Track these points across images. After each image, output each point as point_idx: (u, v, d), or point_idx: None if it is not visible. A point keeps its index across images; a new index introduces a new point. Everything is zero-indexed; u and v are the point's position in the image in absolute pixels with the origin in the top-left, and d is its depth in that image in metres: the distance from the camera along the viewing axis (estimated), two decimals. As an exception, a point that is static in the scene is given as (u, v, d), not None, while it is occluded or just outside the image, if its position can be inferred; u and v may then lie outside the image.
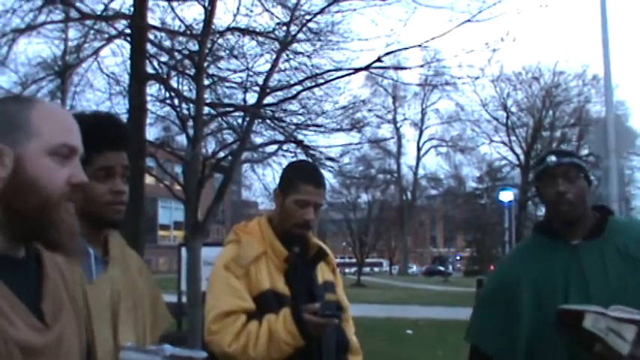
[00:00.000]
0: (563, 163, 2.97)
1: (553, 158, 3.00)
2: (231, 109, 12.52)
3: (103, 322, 2.29)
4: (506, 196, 37.24)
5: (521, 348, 2.92)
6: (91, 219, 2.36)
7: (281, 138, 12.75)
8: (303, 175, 3.28)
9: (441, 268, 75.23)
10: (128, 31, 12.02)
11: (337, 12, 12.48)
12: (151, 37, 11.78)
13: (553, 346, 2.85)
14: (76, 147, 1.73)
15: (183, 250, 11.44)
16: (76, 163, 1.72)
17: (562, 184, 2.94)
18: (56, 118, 1.73)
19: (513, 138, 49.25)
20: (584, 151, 44.59)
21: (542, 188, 3.05)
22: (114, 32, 12.70)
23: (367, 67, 12.15)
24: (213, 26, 11.42)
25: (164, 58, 11.98)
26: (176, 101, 11.74)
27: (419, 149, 70.86)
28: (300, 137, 12.78)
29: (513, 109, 49.26)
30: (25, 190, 1.63)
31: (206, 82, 11.62)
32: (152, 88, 12.33)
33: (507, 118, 49.09)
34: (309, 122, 12.75)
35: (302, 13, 12.07)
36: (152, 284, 2.63)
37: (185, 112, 11.67)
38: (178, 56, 11.91)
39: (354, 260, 56.80)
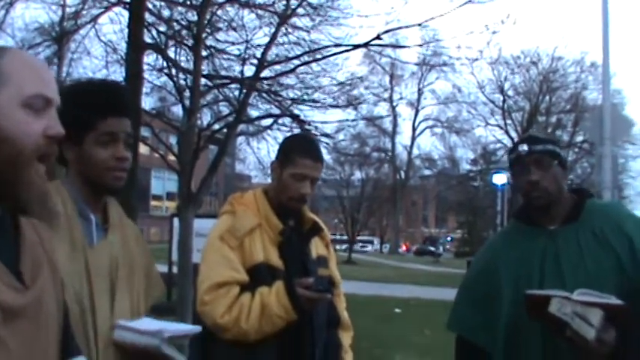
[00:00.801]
0: (534, 151, 2.93)
1: (525, 147, 2.95)
2: (227, 81, 12.47)
3: (102, 287, 2.29)
4: (500, 179, 37.38)
5: (500, 335, 2.91)
6: (91, 184, 2.37)
7: (277, 112, 12.72)
8: (301, 148, 3.27)
9: (432, 249, 75.45)
10: (127, -1, 11.94)
11: (337, -13, 12.43)
12: (150, 6, 11.70)
13: (528, 333, 2.83)
14: (52, 98, 1.65)
15: (176, 221, 11.46)
16: (52, 114, 1.64)
17: (534, 172, 2.90)
18: (31, 66, 1.65)
19: (509, 122, 49.32)
20: (579, 138, 44.78)
21: (515, 176, 3.03)
22: (112, -1, 12.64)
23: (366, 44, 12.10)
24: (212, -3, 11.36)
25: (162, 28, 11.91)
26: (173, 71, 11.69)
27: (414, 129, 70.88)
28: (296, 112, 12.75)
29: (510, 92, 49.32)
30: None
31: (204, 53, 11.56)
32: (149, 58, 12.27)
33: (504, 101, 49.13)
34: (305, 97, 12.71)
35: (302, -14, 12.01)
36: (146, 253, 2.62)
37: (182, 82, 11.63)
38: (177, 26, 11.85)
39: (345, 237, 56.90)
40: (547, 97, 48.44)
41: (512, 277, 2.93)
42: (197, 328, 2.51)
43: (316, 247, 3.39)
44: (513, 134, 48.64)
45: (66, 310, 1.84)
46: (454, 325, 3.18)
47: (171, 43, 11.88)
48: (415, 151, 71.26)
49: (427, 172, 70.33)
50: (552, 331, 2.69)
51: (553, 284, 2.78)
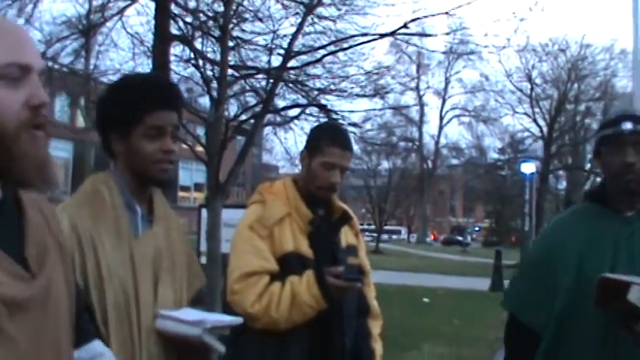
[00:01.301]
0: (638, 131, 2.71)
1: (628, 125, 2.71)
2: (254, 71, 12.47)
3: (146, 277, 2.33)
4: (528, 168, 37.04)
5: (554, 319, 2.74)
6: (138, 177, 2.41)
7: (304, 102, 12.69)
8: (330, 137, 3.26)
9: (460, 238, 75.17)
10: (153, -10, 11.97)
11: (364, -24, 12.37)
12: (176, -3, 11.73)
13: (586, 323, 2.66)
14: (28, 64, 1.46)
15: (204, 211, 11.46)
16: (34, 81, 1.47)
17: (631, 154, 2.70)
18: None
19: (537, 110, 48.93)
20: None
21: (607, 155, 2.80)
22: (139, -9, 12.68)
23: (393, 33, 12.03)
24: (238, -12, 11.36)
25: (189, 19, 11.93)
26: (200, 62, 11.71)
27: (441, 118, 70.70)
28: (323, 102, 12.72)
29: (538, 80, 48.91)
30: None
31: (230, 43, 11.57)
32: (176, 49, 12.30)
33: (531, 89, 48.73)
34: (332, 87, 12.68)
35: (328, -24, 11.98)
36: (187, 244, 2.66)
37: (209, 73, 11.64)
38: (203, 17, 11.86)
39: (372, 227, 56.86)
40: (575, 85, 48.00)
41: (578, 260, 2.75)
42: (238, 320, 2.53)
43: (346, 236, 3.39)
44: (541, 122, 48.33)
45: (79, 293, 1.79)
46: (507, 303, 3.03)
47: (197, 34, 11.88)
48: (442, 141, 71.15)
49: (454, 162, 70.04)
50: (618, 322, 2.51)
51: (624, 271, 2.59)
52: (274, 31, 12.24)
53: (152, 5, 11.72)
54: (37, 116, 1.45)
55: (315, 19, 12.36)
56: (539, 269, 2.90)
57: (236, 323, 2.50)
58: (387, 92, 14.72)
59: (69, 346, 1.64)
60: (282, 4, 12.25)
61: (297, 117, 12.90)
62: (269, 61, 12.38)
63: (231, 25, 11.26)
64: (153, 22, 11.42)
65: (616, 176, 2.77)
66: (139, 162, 2.38)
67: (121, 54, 14.37)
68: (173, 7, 11.43)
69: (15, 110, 1.42)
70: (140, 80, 2.58)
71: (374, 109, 15.24)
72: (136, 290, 2.28)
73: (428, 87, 68.41)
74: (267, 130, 14.71)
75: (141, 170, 2.39)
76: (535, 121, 49.12)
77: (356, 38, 12.15)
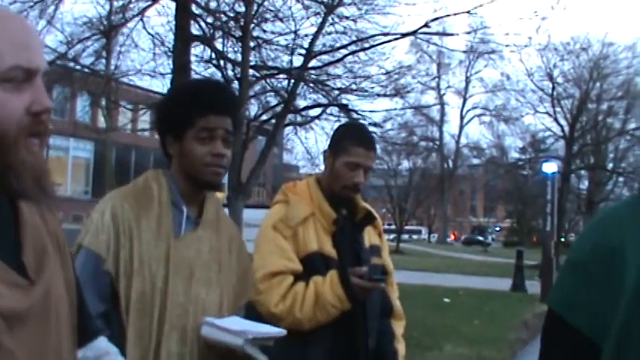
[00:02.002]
0: None
1: None
2: (275, 72, 12.49)
3: (179, 277, 2.35)
4: (550, 167, 36.78)
5: (615, 327, 2.57)
6: (190, 179, 2.45)
7: (324, 102, 12.71)
8: (354, 137, 3.25)
9: (480, 238, 74.88)
10: (174, -9, 12.01)
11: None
12: (197, -3, 11.75)
13: None
14: (34, 68, 1.38)
15: (225, 211, 11.53)
16: (37, 86, 1.39)
17: None
18: (4, 31, 1.38)
19: (558, 109, 48.55)
20: (632, 125, 44.07)
21: None
22: (160, -8, 12.72)
23: (414, 33, 12.03)
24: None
25: (210, 20, 11.96)
26: (221, 62, 11.75)
27: (462, 118, 70.40)
28: (343, 101, 12.73)
29: (559, 79, 48.49)
30: None
31: (251, 44, 11.59)
32: (197, 49, 12.35)
33: (553, 88, 48.35)
34: (353, 86, 12.69)
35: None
36: (244, 254, 2.69)
37: (230, 73, 11.68)
38: (224, 18, 11.88)
39: (393, 227, 56.79)
40: (597, 84, 47.60)
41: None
42: (282, 332, 2.54)
43: (369, 236, 3.38)
44: (563, 122, 47.94)
45: (79, 290, 1.69)
46: (553, 301, 2.77)
47: (218, 34, 11.93)
48: (463, 140, 70.84)
49: (475, 161, 69.68)
50: None
51: None
52: (295, 31, 12.28)
53: (173, 6, 11.79)
54: (39, 123, 1.38)
55: (336, 19, 12.38)
56: (592, 267, 2.68)
57: (279, 335, 2.51)
58: (407, 92, 14.74)
59: (71, 351, 1.59)
60: (303, 4, 12.28)
61: (317, 117, 12.93)
62: (290, 61, 12.43)
63: (252, 26, 11.30)
64: (173, 22, 11.48)
65: None
66: (190, 164, 2.43)
67: (142, 54, 14.47)
68: (194, 8, 11.49)
69: (16, 116, 1.35)
70: (196, 84, 2.67)
71: (394, 109, 15.26)
72: (166, 285, 2.32)
73: (448, 86, 68.17)
74: (288, 130, 14.71)
75: (192, 172, 2.44)
76: (556, 120, 48.77)
77: (377, 38, 12.16)
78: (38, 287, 1.43)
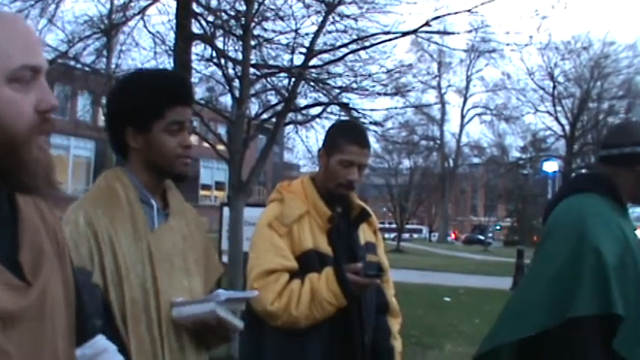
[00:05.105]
0: None
1: None
2: (276, 70, 12.49)
3: (164, 271, 2.34)
4: (551, 166, 36.91)
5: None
6: (158, 171, 2.43)
7: (325, 100, 12.70)
8: (348, 135, 3.27)
9: (481, 237, 74.87)
10: (175, -11, 12.02)
11: (386, -26, 12.34)
12: (198, -4, 11.77)
13: None
14: (39, 66, 1.41)
15: (225, 210, 11.50)
16: (42, 84, 1.42)
17: None
18: (12, 32, 1.40)
19: (559, 108, 48.69)
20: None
21: None
22: (161, -10, 12.74)
23: (415, 32, 12.01)
24: (260, -13, 11.38)
25: (210, 18, 11.96)
26: (222, 61, 11.74)
27: (463, 117, 70.45)
28: (344, 100, 12.72)
29: (560, 78, 48.66)
30: None
31: (252, 42, 11.59)
32: (198, 48, 12.34)
33: (554, 87, 48.49)
34: (354, 85, 12.68)
35: (350, -26, 11.97)
36: (206, 237, 2.68)
37: (231, 72, 11.67)
38: (225, 16, 11.88)
39: (393, 226, 56.79)
40: (598, 83, 47.70)
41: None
42: (253, 293, 2.55)
43: (364, 234, 3.40)
44: (563, 121, 48.08)
45: (78, 290, 1.70)
46: (613, 307, 2.68)
47: (219, 33, 11.92)
48: (464, 139, 70.92)
49: (476, 160, 69.78)
50: None
51: None
52: (296, 30, 12.25)
53: (174, 4, 11.78)
54: (46, 121, 1.41)
55: (337, 18, 12.35)
56: (628, 266, 2.73)
57: (250, 296, 2.52)
58: (408, 90, 14.68)
59: (68, 352, 1.59)
60: (304, 3, 12.25)
61: (318, 115, 12.90)
62: (291, 60, 12.39)
63: (252, 24, 11.27)
64: (174, 21, 11.47)
65: None
66: (159, 157, 2.39)
67: (143, 53, 14.46)
68: (195, 6, 11.48)
69: (27, 115, 1.37)
70: (158, 75, 2.60)
71: (395, 108, 15.20)
72: (155, 285, 2.29)
73: (449, 85, 68.29)
74: (289, 128, 14.70)
75: (161, 165, 2.41)
76: (557, 119, 48.89)
77: (377, 36, 12.13)
78: (34, 288, 1.43)
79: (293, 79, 11.68)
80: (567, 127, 47.50)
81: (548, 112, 49.74)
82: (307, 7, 12.25)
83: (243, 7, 11.38)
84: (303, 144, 15.06)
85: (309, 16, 12.32)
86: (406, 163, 56.73)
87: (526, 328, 2.76)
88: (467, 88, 69.45)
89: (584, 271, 2.66)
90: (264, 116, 12.56)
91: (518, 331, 2.78)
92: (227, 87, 11.85)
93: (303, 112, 13.14)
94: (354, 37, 12.29)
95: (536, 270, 2.90)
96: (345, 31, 12.50)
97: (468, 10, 12.01)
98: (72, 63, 14.58)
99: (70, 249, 1.95)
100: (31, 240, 1.48)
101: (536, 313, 2.74)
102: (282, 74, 12.45)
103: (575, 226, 2.75)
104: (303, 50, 12.00)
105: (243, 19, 11.12)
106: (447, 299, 18.56)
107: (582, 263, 2.66)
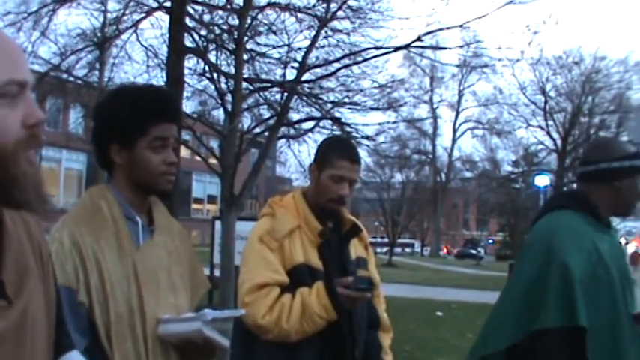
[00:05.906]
0: None
1: None
2: (268, 84, 12.51)
3: (150, 288, 2.33)
4: (542, 181, 36.97)
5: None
6: (142, 188, 2.41)
7: (318, 115, 12.73)
8: (338, 150, 3.29)
9: (473, 251, 74.84)
10: (168, 4, 12.04)
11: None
12: (191, 10, 11.79)
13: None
14: (26, 80, 1.37)
15: (217, 224, 11.50)
16: (29, 98, 1.38)
17: None
18: None
19: (551, 123, 48.69)
20: (624, 139, 44.08)
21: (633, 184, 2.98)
22: (153, 5, 12.76)
23: (407, 47, 12.07)
24: (252, 1, 11.41)
25: (203, 32, 11.99)
26: (214, 75, 11.77)
27: (455, 131, 70.48)
28: (336, 115, 12.75)
29: (552, 93, 48.67)
30: None
31: (244, 57, 11.62)
32: (190, 62, 12.37)
33: (545, 102, 48.52)
34: (346, 100, 12.72)
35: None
36: (191, 251, 2.66)
37: (223, 86, 11.70)
38: (217, 30, 11.91)
39: (386, 240, 56.75)
40: (590, 98, 47.76)
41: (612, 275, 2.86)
42: (240, 311, 2.53)
43: (355, 249, 3.41)
44: (555, 135, 48.08)
45: (59, 304, 1.66)
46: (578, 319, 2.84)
47: (212, 47, 11.95)
48: (456, 154, 70.91)
49: (468, 175, 69.77)
50: None
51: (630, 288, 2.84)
52: (288, 45, 12.30)
53: (166, 18, 11.81)
54: (34, 136, 1.37)
55: (329, 33, 12.41)
56: (600, 278, 2.89)
57: (238, 315, 2.50)
58: (400, 105, 14.75)
59: None
60: (297, 18, 12.30)
61: (310, 130, 12.94)
62: (283, 74, 12.45)
63: (245, 39, 11.31)
64: (167, 34, 11.50)
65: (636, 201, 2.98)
66: (143, 174, 2.38)
67: (135, 66, 14.49)
68: (188, 21, 11.51)
69: (14, 131, 1.33)
70: (143, 91, 2.56)
71: (387, 122, 15.22)
72: (141, 302, 2.28)
73: (441, 100, 68.34)
74: (281, 142, 14.72)
75: (145, 182, 2.39)
76: (549, 134, 48.90)
77: (370, 51, 12.19)
78: (15, 307, 1.41)
79: (285, 94, 11.72)
80: (559, 142, 47.53)
81: (539, 126, 49.80)
82: (300, 21, 12.31)
83: (235, 22, 11.42)
84: (296, 158, 15.10)
85: (301, 31, 12.37)
86: (398, 177, 56.70)
87: (498, 342, 2.93)
88: (459, 102, 69.57)
89: (551, 285, 2.80)
90: (257, 130, 12.59)
91: (491, 344, 2.91)
92: (219, 101, 11.88)
93: (296, 126, 13.17)
94: (347, 51, 12.34)
95: (509, 285, 3.09)
96: (337, 46, 12.56)
97: (460, 26, 12.08)
98: (64, 76, 14.57)
99: (55, 267, 1.91)
100: (15, 257, 1.45)
101: (506, 326, 2.91)
102: (275, 88, 12.49)
103: (544, 242, 2.90)
104: (296, 65, 12.04)
105: (235, 33, 11.16)
106: (439, 314, 18.53)
107: (549, 277, 2.80)
